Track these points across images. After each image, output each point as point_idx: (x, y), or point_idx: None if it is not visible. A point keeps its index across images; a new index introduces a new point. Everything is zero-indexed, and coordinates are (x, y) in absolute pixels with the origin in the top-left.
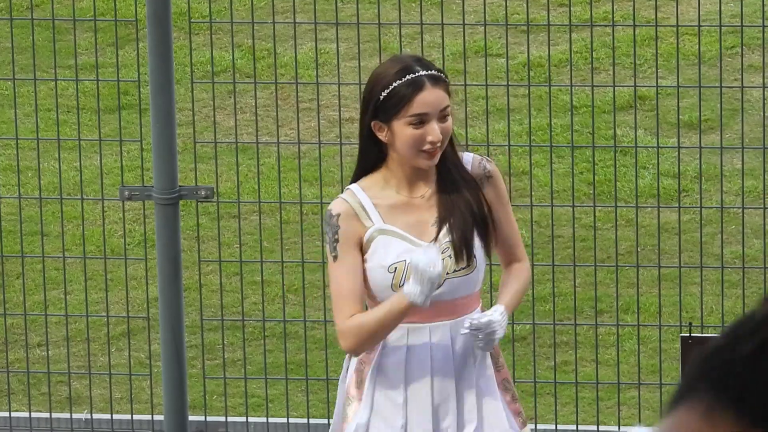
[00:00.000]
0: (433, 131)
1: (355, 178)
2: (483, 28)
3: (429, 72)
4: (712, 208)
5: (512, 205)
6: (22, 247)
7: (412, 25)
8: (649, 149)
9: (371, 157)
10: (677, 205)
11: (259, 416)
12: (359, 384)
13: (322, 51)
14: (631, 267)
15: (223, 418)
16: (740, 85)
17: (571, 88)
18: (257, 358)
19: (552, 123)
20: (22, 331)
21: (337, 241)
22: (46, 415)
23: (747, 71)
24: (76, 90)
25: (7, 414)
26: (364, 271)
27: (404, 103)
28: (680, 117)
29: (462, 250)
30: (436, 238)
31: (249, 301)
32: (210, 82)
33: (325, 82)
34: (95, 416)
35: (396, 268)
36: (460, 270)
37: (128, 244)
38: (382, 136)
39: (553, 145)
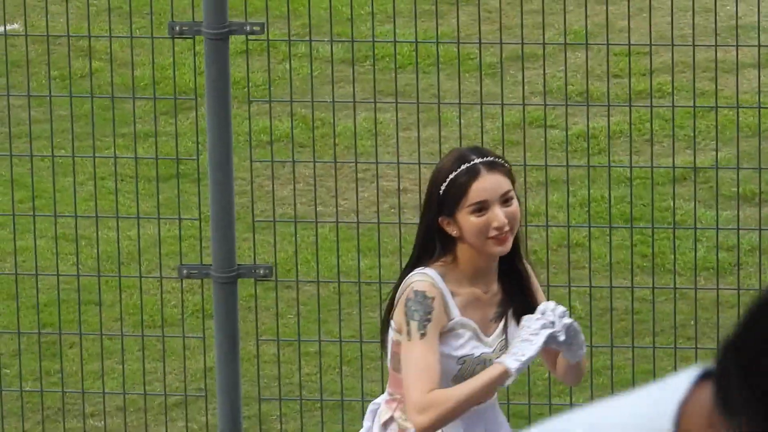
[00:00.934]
0: (497, 217)
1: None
2: (542, 99)
3: (484, 159)
4: None
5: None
6: (80, 318)
7: (471, 105)
8: (703, 223)
9: (434, 252)
10: (736, 283)
11: None
12: None
13: (378, 121)
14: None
15: None
16: None
17: (631, 162)
18: (312, 429)
19: (610, 195)
20: (77, 400)
21: (429, 321)
22: None
23: None
24: (135, 164)
25: None
26: None
27: (462, 192)
28: (739, 189)
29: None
30: (503, 336)
31: (304, 371)
32: (269, 161)
33: (384, 162)
34: None
35: (465, 361)
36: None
37: (184, 314)
38: (451, 230)
39: (612, 226)
